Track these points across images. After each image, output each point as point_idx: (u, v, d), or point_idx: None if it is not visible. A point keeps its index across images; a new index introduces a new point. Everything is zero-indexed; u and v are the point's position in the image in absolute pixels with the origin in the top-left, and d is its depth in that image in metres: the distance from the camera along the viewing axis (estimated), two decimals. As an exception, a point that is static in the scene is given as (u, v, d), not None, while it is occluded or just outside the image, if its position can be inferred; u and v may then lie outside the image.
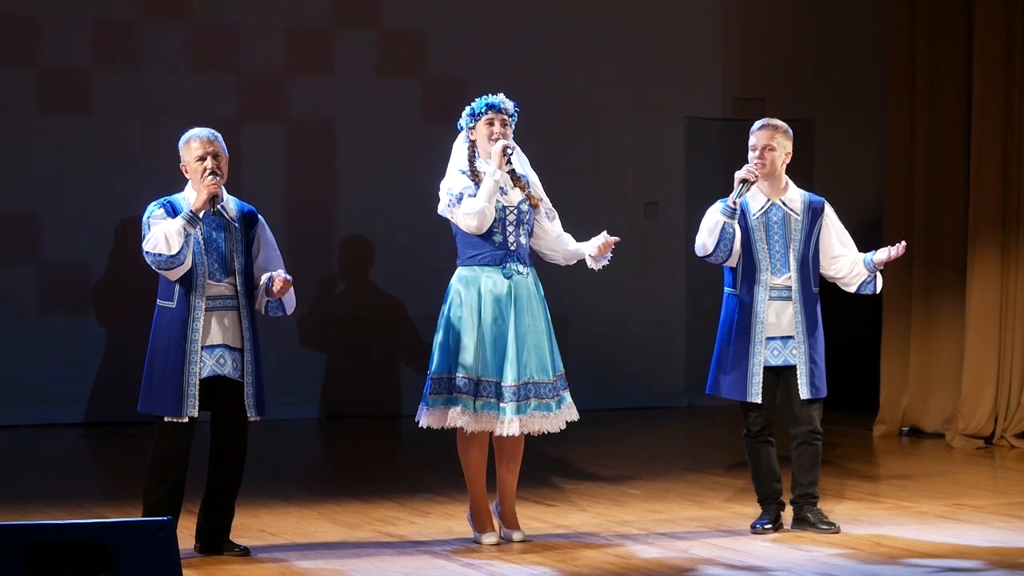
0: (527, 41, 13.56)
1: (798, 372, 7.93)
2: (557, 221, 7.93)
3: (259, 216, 7.60)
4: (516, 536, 7.81)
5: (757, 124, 8.02)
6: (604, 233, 7.83)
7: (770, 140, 7.95)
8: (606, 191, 13.78)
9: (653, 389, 13.92)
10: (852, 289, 8.14)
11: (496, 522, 7.86)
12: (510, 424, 7.61)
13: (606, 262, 7.85)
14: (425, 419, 7.70)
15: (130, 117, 10.76)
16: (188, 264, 7.31)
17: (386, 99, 11.29)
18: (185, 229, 7.27)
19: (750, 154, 7.98)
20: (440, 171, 11.75)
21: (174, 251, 7.25)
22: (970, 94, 11.57)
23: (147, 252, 7.27)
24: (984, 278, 11.44)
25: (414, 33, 11.60)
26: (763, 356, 7.90)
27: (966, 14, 11.64)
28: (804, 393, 7.93)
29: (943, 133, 11.79)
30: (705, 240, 7.88)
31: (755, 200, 7.98)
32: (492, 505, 7.90)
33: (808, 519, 8.00)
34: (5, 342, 12.37)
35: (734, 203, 7.85)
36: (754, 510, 8.21)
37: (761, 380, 7.90)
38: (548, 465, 10.22)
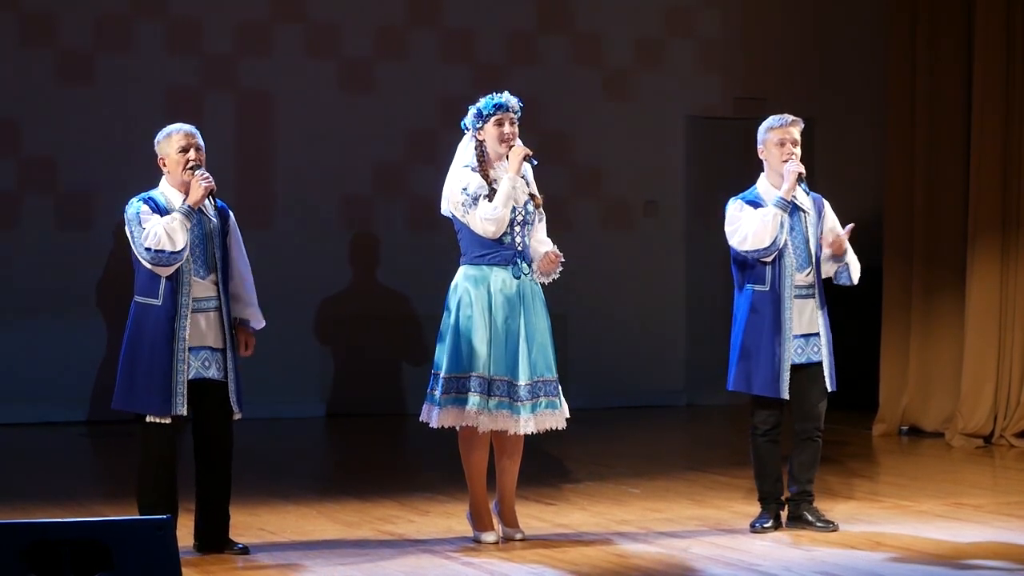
0: (526, 38, 13.58)
1: (824, 366, 7.95)
2: (544, 224, 7.92)
3: (230, 213, 7.60)
4: (516, 535, 7.80)
5: (782, 120, 7.96)
6: (550, 249, 7.80)
7: (798, 135, 7.99)
8: (606, 191, 13.78)
9: (653, 389, 13.92)
10: (833, 279, 8.14)
11: (496, 521, 7.86)
12: (526, 423, 7.61)
13: (556, 276, 7.84)
14: (438, 419, 7.65)
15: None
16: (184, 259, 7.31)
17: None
18: (184, 224, 7.26)
19: (779, 149, 7.94)
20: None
21: (179, 247, 7.23)
22: (970, 94, 11.57)
23: (147, 248, 7.22)
24: (984, 278, 11.44)
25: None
26: (791, 354, 7.91)
27: (966, 14, 11.64)
28: (831, 386, 7.97)
29: (943, 133, 11.79)
30: (760, 235, 7.81)
31: (772, 197, 7.96)
32: (492, 504, 7.89)
33: (805, 517, 8.00)
34: (6, 340, 12.39)
35: (790, 197, 7.87)
36: (754, 509, 8.21)
37: (788, 378, 7.92)
38: (548, 464, 10.22)
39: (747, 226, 7.87)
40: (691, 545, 7.70)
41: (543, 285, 7.83)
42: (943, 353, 11.80)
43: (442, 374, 7.67)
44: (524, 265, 7.74)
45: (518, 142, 7.76)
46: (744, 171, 14.16)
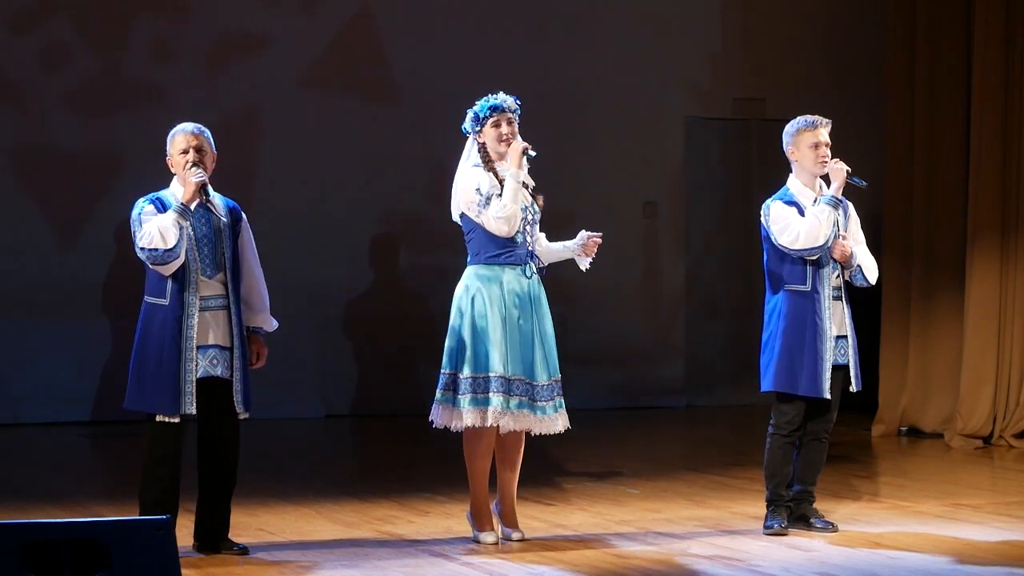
0: (527, 38, 13.59)
1: (850, 367, 7.97)
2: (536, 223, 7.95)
3: (242, 213, 7.60)
4: (515, 535, 7.80)
5: (814, 122, 7.96)
6: (583, 232, 7.84)
7: (828, 136, 8.02)
8: (606, 191, 13.78)
9: (653, 389, 13.93)
10: (850, 281, 8.16)
11: (495, 521, 7.86)
12: (553, 422, 7.65)
13: (592, 258, 7.88)
14: (463, 419, 7.58)
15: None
16: (183, 258, 7.31)
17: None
18: (178, 222, 7.28)
19: (814, 152, 7.95)
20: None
21: (170, 244, 7.24)
22: (970, 94, 11.57)
23: (142, 248, 7.25)
24: (983, 278, 11.44)
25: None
26: (831, 354, 7.91)
27: (966, 14, 11.64)
28: (856, 386, 8.01)
29: (943, 133, 11.79)
30: (815, 233, 7.80)
31: (807, 198, 7.96)
32: (492, 504, 7.89)
33: (806, 517, 8.00)
34: (8, 340, 12.40)
35: (840, 195, 7.91)
36: (753, 510, 8.20)
37: (830, 377, 7.93)
38: (548, 465, 10.23)
39: (799, 224, 7.85)
40: (690, 546, 7.71)
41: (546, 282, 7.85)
42: (942, 354, 11.80)
43: (461, 375, 7.61)
44: (534, 265, 7.76)
45: (518, 138, 7.77)
46: (744, 171, 14.27)
